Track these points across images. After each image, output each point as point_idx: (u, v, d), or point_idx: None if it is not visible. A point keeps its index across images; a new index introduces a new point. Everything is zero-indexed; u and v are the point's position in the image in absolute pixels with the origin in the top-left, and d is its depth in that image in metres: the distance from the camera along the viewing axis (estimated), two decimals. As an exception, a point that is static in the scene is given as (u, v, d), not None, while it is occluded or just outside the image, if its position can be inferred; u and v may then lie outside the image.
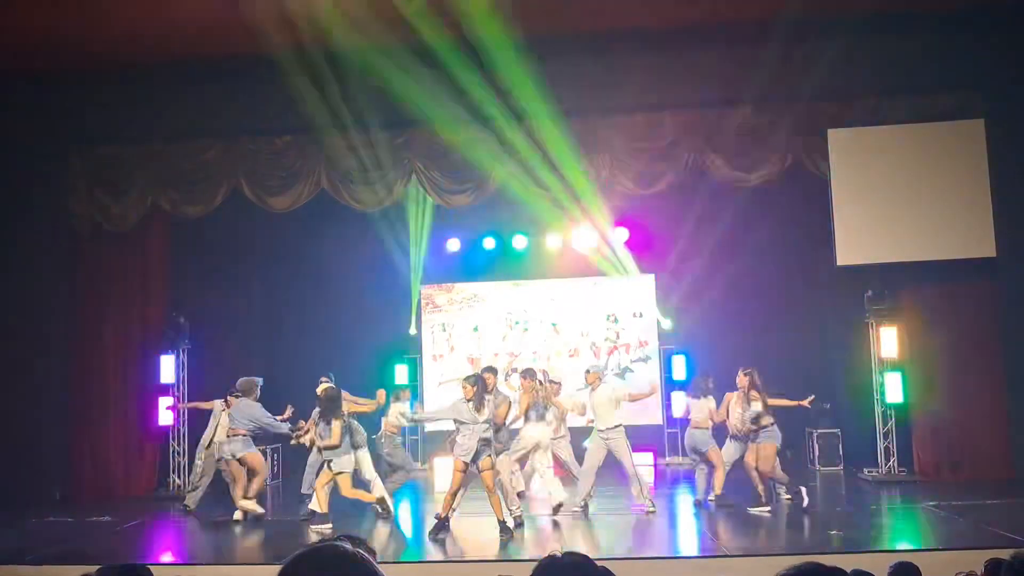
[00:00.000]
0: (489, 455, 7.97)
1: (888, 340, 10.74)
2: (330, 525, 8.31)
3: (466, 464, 7.94)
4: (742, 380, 8.88)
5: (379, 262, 13.08)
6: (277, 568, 1.59)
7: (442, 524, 8.00)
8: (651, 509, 8.84)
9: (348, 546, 1.60)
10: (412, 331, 13.56)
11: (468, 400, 8.00)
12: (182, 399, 11.31)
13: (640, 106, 10.38)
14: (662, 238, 12.87)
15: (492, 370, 8.99)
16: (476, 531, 8.14)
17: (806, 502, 8.68)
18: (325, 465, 8.53)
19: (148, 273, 11.36)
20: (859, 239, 10.13)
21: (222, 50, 9.87)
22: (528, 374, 9.08)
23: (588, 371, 9.31)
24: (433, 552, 7.76)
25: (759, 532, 8.32)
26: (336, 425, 8.30)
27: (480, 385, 8.08)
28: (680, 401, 10.80)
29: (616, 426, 8.85)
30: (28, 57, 9.75)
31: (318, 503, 8.54)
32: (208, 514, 9.32)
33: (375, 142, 10.63)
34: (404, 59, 9.91)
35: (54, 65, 10.02)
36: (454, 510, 8.18)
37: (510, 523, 7.96)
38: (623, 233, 13.04)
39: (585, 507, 8.96)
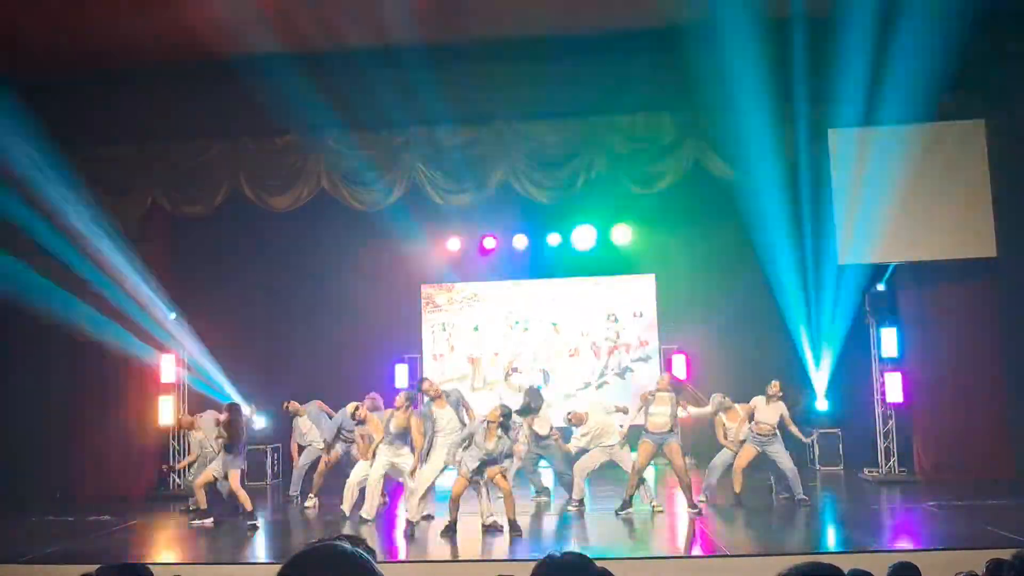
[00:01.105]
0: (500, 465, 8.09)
1: (889, 340, 10.75)
2: (212, 518, 8.93)
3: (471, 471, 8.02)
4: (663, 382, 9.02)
5: (379, 261, 13.08)
6: (277, 568, 1.59)
7: (452, 526, 8.03)
8: (659, 509, 8.90)
9: (347, 546, 1.60)
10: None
11: (493, 426, 8.01)
12: (183, 399, 11.33)
13: (640, 106, 10.38)
14: (662, 238, 12.87)
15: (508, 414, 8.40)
16: (476, 531, 8.14)
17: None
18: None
19: (148, 272, 11.34)
20: (859, 239, 10.13)
21: (222, 50, 9.87)
22: (409, 397, 8.87)
23: (570, 415, 9.33)
24: (433, 552, 7.76)
25: (759, 532, 8.33)
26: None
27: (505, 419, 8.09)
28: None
29: (617, 443, 8.99)
30: (29, 58, 9.75)
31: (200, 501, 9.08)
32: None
33: (376, 142, 10.65)
34: (404, 58, 9.91)
35: (55, 66, 10.02)
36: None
37: (519, 522, 8.05)
38: (623, 233, 13.05)
39: (581, 506, 9.02)
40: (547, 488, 9.93)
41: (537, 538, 8.11)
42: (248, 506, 8.85)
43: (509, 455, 8.22)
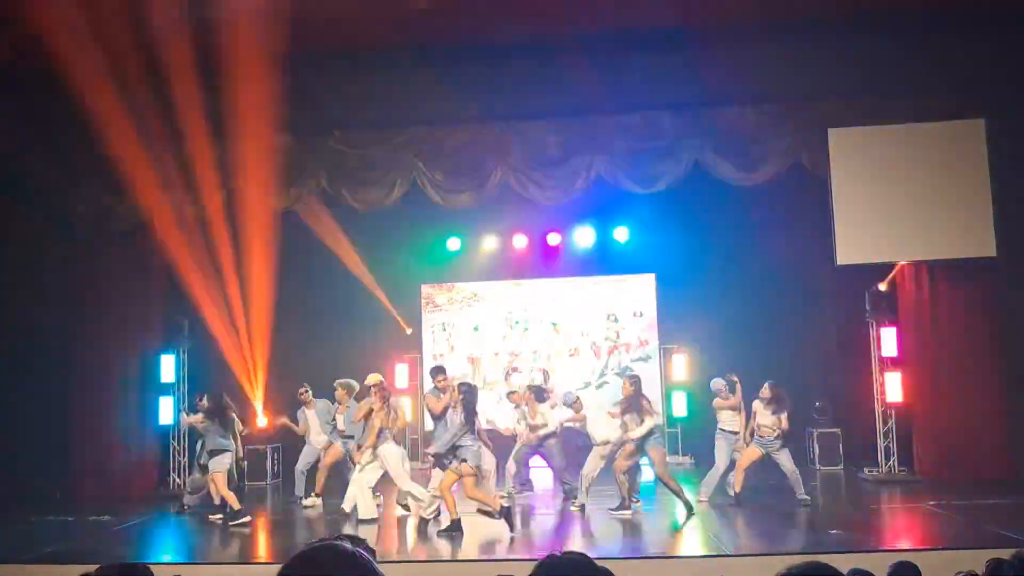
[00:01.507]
0: (465, 460, 7.99)
1: (888, 340, 10.76)
2: (248, 518, 8.96)
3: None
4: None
5: (379, 261, 13.07)
6: (277, 567, 1.59)
7: (455, 524, 8.03)
8: (634, 504, 8.95)
9: (348, 546, 1.60)
10: (408, 331, 13.54)
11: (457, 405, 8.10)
12: (183, 398, 11.32)
13: (640, 106, 10.39)
14: (662, 237, 12.86)
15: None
16: (476, 530, 8.13)
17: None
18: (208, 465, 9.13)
19: (148, 272, 11.35)
20: (859, 239, 10.14)
21: (221, 49, 9.87)
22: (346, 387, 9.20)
23: (575, 400, 9.52)
24: (432, 551, 7.76)
25: (759, 532, 8.33)
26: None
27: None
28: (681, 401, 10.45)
29: (607, 441, 9.03)
30: (28, 56, 9.74)
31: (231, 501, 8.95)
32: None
33: (376, 142, 10.65)
34: (404, 58, 9.92)
35: (54, 64, 10.01)
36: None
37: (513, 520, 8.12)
38: (623, 232, 13.07)
39: (582, 507, 9.07)
40: (529, 481, 9.98)
41: (538, 538, 8.11)
42: (236, 505, 8.88)
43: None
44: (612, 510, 8.78)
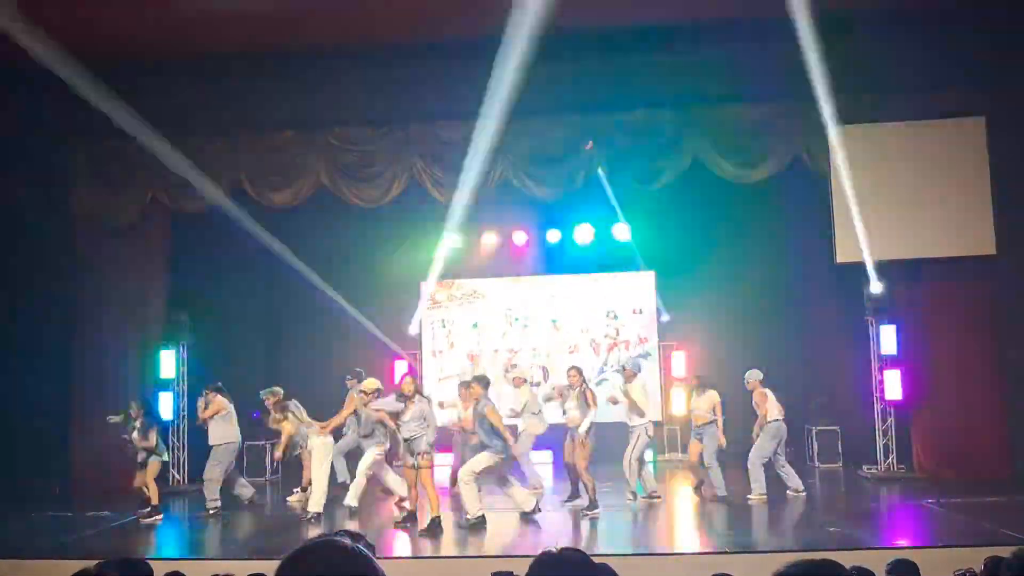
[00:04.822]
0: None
1: (888, 337, 10.75)
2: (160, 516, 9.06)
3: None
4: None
5: (379, 258, 13.06)
6: (276, 563, 1.59)
7: (410, 516, 8.10)
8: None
9: (347, 541, 1.60)
10: (412, 330, 13.54)
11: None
12: (183, 395, 11.30)
13: (641, 102, 10.38)
14: (663, 234, 12.86)
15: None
16: (471, 527, 8.14)
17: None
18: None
19: (148, 267, 11.34)
20: (857, 236, 10.13)
21: (224, 45, 9.87)
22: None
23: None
24: (429, 548, 7.76)
25: (758, 529, 8.33)
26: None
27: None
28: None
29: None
30: (30, 51, 9.73)
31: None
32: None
33: (375, 138, 10.64)
34: (403, 55, 9.90)
35: (56, 58, 10.00)
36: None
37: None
38: (624, 229, 13.06)
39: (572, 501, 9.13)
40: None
41: (533, 535, 8.12)
42: (155, 500, 9.04)
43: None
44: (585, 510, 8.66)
